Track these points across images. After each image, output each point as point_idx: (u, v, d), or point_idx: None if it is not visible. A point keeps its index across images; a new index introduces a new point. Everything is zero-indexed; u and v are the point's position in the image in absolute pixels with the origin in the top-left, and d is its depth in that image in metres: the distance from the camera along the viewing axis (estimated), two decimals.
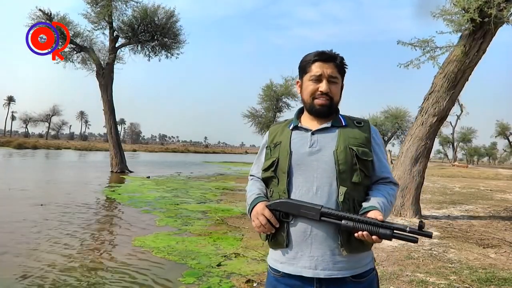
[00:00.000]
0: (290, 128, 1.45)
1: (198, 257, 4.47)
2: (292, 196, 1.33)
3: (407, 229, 1.17)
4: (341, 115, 1.45)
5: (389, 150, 32.22)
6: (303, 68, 1.44)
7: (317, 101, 1.39)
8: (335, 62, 1.40)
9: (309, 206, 1.27)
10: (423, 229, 1.16)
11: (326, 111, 1.40)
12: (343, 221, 1.22)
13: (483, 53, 6.46)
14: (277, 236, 1.34)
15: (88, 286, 3.56)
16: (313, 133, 1.39)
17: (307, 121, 1.45)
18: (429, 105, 6.86)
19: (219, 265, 4.17)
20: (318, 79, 1.39)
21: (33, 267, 4.03)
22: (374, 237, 1.19)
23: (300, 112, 1.51)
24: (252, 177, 1.57)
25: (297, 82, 1.51)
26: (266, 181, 1.46)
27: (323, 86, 1.37)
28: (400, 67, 7.04)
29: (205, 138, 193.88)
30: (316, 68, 1.39)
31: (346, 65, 1.44)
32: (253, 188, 1.48)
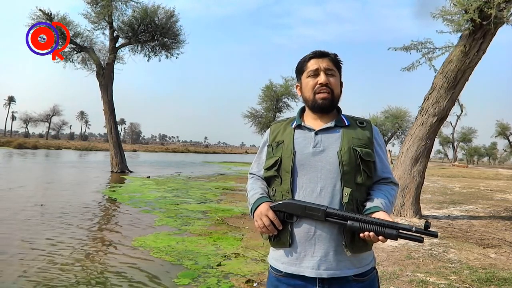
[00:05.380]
0: (293, 126, 1.45)
1: (196, 257, 4.46)
2: (296, 197, 1.33)
3: (413, 229, 1.17)
4: (343, 114, 1.46)
5: (389, 150, 32.29)
6: (300, 69, 1.48)
7: (318, 96, 1.41)
8: (330, 57, 1.44)
9: (314, 206, 1.27)
10: (429, 229, 1.16)
11: (329, 104, 1.41)
12: (348, 222, 1.22)
13: (483, 53, 6.46)
14: (281, 236, 1.34)
15: (79, 285, 3.56)
16: (316, 133, 1.40)
17: (310, 120, 1.46)
18: (429, 105, 6.86)
19: (219, 265, 4.16)
20: (315, 73, 1.42)
21: (33, 266, 4.03)
22: (380, 237, 1.20)
23: (302, 111, 1.51)
24: (252, 175, 1.56)
25: (297, 85, 1.52)
26: (268, 180, 1.46)
27: (321, 78, 1.40)
28: (402, 70, 7.09)
29: (205, 138, 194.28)
30: (312, 64, 1.43)
31: (340, 60, 1.47)
32: (255, 187, 1.47)
